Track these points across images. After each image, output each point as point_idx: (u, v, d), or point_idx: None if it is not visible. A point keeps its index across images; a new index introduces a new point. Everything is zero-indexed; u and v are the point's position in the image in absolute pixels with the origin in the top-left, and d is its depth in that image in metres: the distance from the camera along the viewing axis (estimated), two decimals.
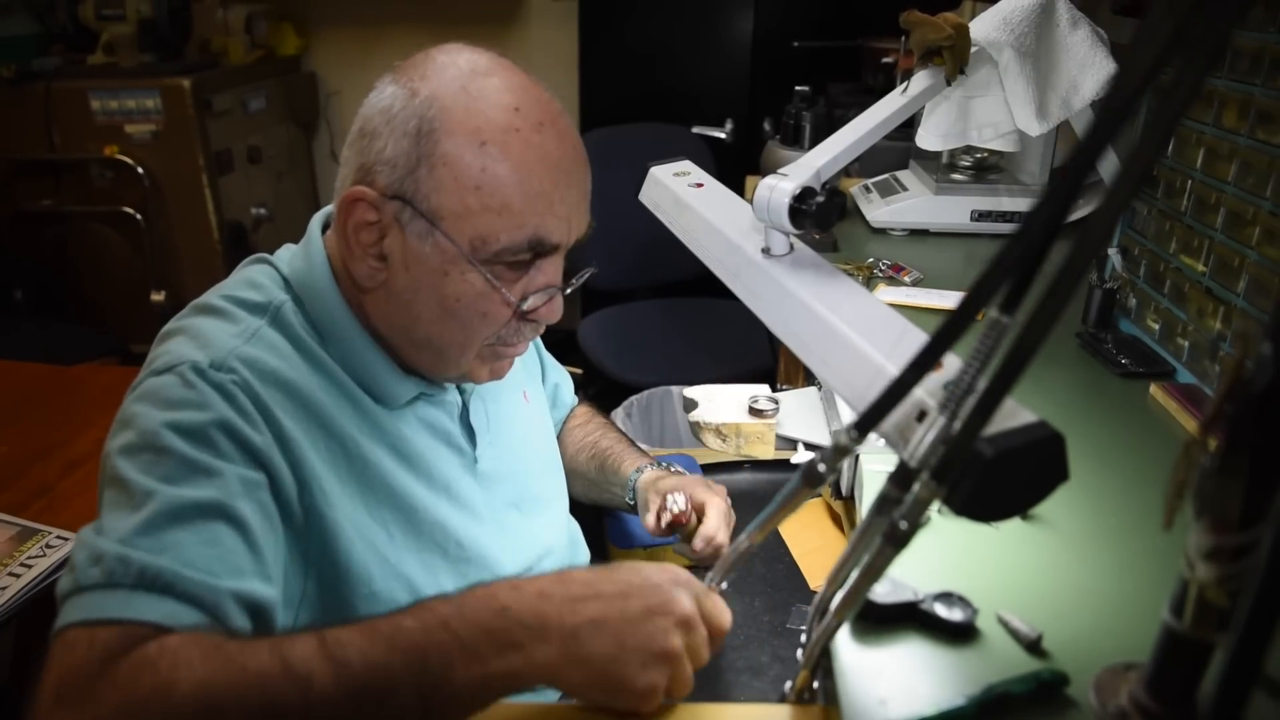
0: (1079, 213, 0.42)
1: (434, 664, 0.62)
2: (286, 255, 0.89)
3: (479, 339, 0.83)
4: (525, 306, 0.82)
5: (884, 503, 0.55)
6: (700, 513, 1.03)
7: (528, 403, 1.06)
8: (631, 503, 1.11)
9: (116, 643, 0.62)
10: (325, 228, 0.90)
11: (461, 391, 0.94)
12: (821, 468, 0.58)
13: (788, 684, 0.77)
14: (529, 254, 0.80)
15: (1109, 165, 1.15)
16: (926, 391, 0.59)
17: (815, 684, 0.75)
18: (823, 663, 0.71)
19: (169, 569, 0.65)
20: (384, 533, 0.83)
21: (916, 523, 0.54)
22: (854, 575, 0.60)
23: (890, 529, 0.55)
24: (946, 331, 0.49)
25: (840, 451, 0.57)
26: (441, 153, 0.76)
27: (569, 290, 0.86)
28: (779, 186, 0.81)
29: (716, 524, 1.01)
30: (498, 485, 0.96)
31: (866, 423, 0.54)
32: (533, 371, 1.11)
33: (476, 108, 0.76)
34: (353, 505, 0.81)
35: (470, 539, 0.89)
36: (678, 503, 1.01)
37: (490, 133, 0.76)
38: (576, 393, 1.27)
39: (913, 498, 0.53)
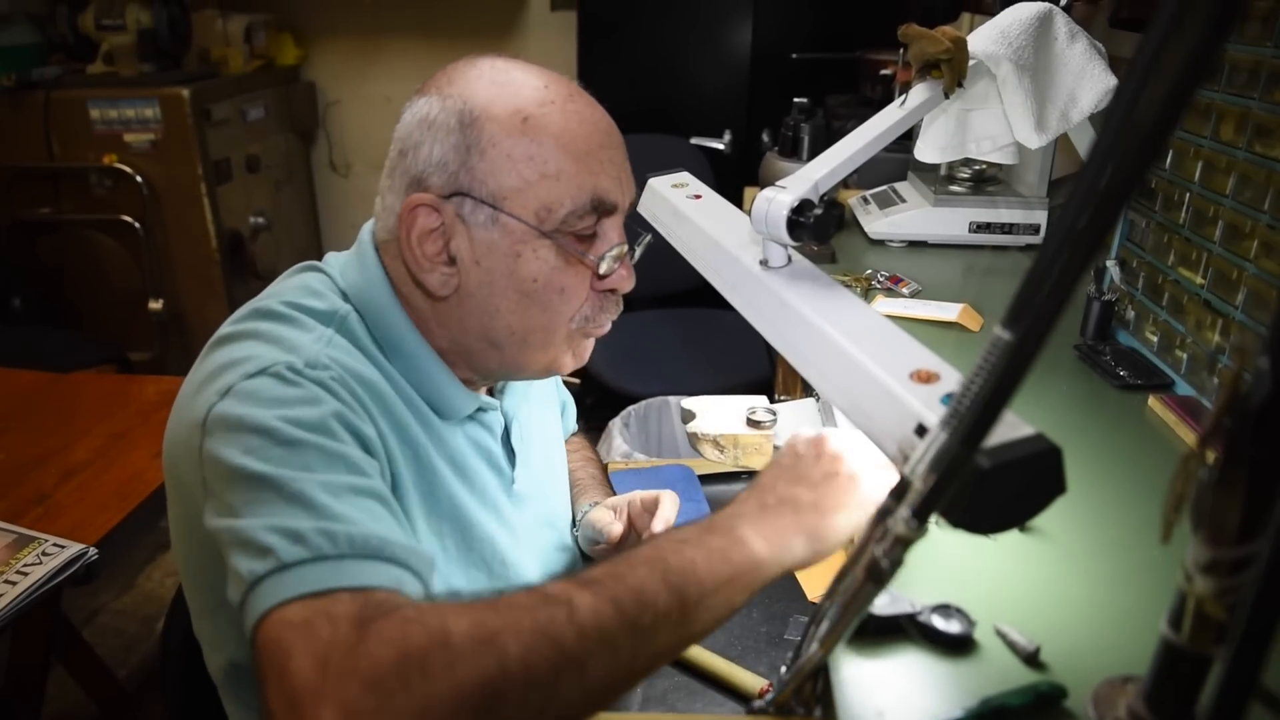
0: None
1: (674, 564, 0.65)
2: (337, 265, 0.88)
3: (562, 320, 0.84)
4: (604, 269, 0.83)
5: (882, 515, 0.55)
6: (654, 504, 1.04)
7: (550, 423, 1.07)
8: (574, 533, 1.10)
9: (360, 610, 0.59)
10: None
11: (505, 413, 0.94)
12: (885, 563, 0.56)
13: (770, 695, 0.77)
14: (593, 215, 0.81)
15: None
16: (924, 405, 0.59)
17: (794, 703, 0.75)
18: (811, 682, 0.71)
19: (375, 534, 0.64)
20: (439, 544, 0.84)
21: (898, 560, 0.54)
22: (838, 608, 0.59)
23: (871, 564, 0.55)
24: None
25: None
26: (489, 136, 0.78)
27: (634, 258, 0.87)
28: (777, 199, 0.81)
29: (671, 511, 1.02)
30: (530, 505, 0.96)
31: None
32: (553, 392, 1.12)
33: (509, 91, 0.79)
34: (418, 512, 0.81)
35: (513, 558, 0.90)
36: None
37: (529, 108, 0.79)
38: (578, 405, 1.27)
39: (892, 536, 0.53)
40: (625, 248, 0.85)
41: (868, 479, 0.75)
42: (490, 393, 0.95)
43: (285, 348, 0.75)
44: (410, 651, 0.56)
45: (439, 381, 0.85)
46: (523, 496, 0.95)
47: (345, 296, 0.84)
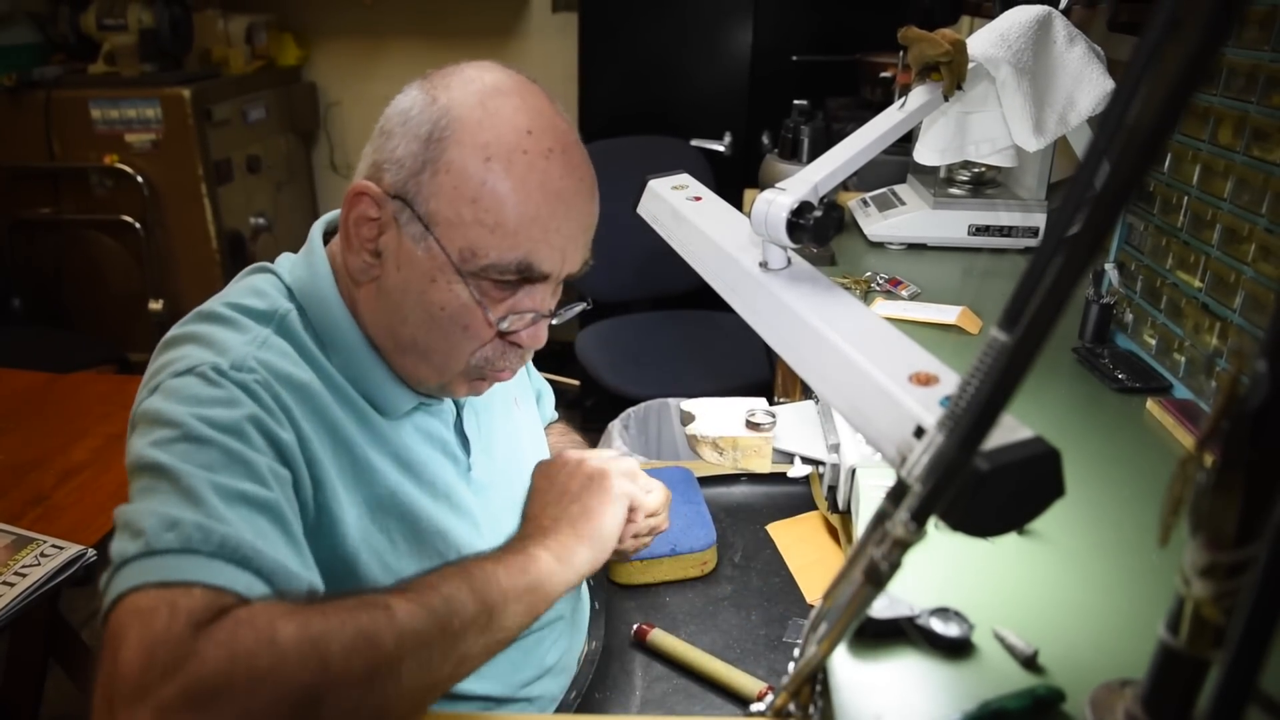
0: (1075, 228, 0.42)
1: (475, 576, 0.75)
2: (287, 264, 0.89)
3: (463, 353, 0.83)
4: (504, 327, 0.82)
5: (880, 519, 0.55)
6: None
7: (518, 408, 1.07)
8: None
9: (201, 608, 0.61)
10: (327, 236, 0.90)
11: (455, 400, 0.94)
12: (884, 566, 0.56)
13: (769, 698, 0.77)
14: (515, 276, 0.80)
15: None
16: (923, 407, 0.59)
17: (792, 706, 0.75)
18: (809, 685, 0.71)
19: (249, 543, 0.66)
20: (387, 540, 0.84)
21: (896, 562, 0.54)
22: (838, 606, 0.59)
23: (870, 567, 0.55)
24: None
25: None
26: (446, 160, 0.77)
27: (556, 320, 0.86)
28: (776, 201, 0.81)
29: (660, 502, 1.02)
30: (492, 492, 0.96)
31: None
32: (520, 378, 1.12)
33: (489, 123, 0.77)
34: (359, 512, 0.82)
35: (470, 547, 0.90)
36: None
37: (497, 149, 0.77)
38: (558, 409, 1.27)
39: (890, 539, 0.53)
40: (536, 315, 0.83)
41: (614, 469, 0.92)
42: None
43: (216, 350, 0.77)
44: (238, 653, 0.59)
45: (375, 379, 0.85)
46: (484, 484, 0.95)
47: (291, 294, 0.85)
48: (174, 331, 0.82)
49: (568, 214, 0.80)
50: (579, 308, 0.91)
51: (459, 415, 0.95)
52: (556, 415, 1.27)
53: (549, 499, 0.91)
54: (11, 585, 1.18)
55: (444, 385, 0.88)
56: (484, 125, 0.77)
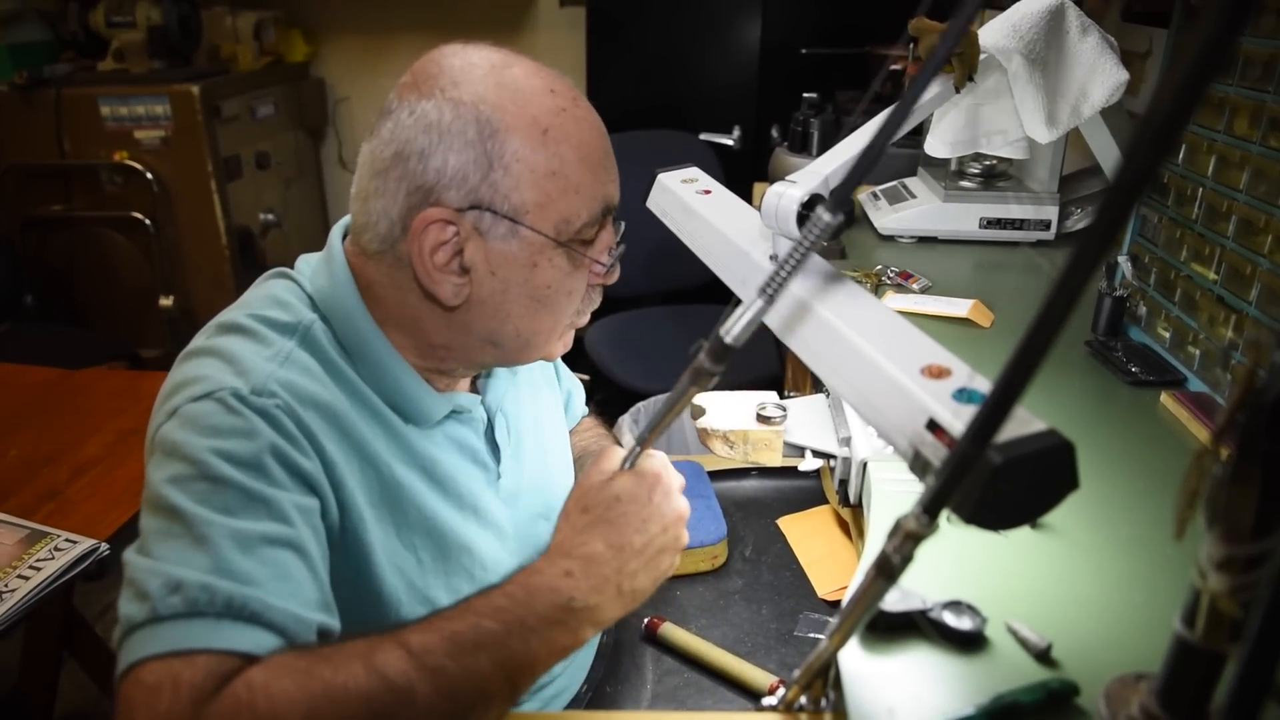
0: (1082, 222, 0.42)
1: (518, 654, 0.70)
2: (308, 270, 0.86)
3: (565, 319, 0.86)
4: (605, 268, 0.85)
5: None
6: None
7: (546, 414, 1.06)
8: None
9: (204, 681, 0.61)
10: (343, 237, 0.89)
11: (487, 408, 0.94)
12: (707, 364, 0.66)
13: (781, 690, 0.77)
14: (601, 221, 0.83)
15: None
16: (935, 400, 0.58)
17: (804, 700, 0.75)
18: (821, 679, 0.71)
19: (256, 598, 0.65)
20: (414, 559, 0.83)
21: (908, 556, 0.54)
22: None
23: (881, 560, 0.55)
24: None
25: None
26: (513, 150, 0.76)
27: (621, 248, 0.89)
28: (787, 193, 0.80)
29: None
30: (521, 499, 0.96)
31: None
32: (550, 380, 1.11)
33: (522, 98, 0.78)
34: (384, 531, 0.81)
35: (494, 560, 0.89)
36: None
37: (546, 119, 0.78)
38: (587, 403, 1.27)
39: (903, 532, 0.53)
40: (617, 250, 0.86)
41: (684, 516, 0.82)
42: (474, 386, 0.95)
43: (237, 370, 0.75)
44: None
45: (407, 388, 0.84)
46: (513, 492, 0.95)
47: (313, 303, 0.83)
48: (195, 343, 0.80)
49: (609, 144, 0.84)
50: (621, 227, 0.91)
51: (490, 423, 0.94)
52: (587, 410, 1.26)
53: (617, 544, 0.77)
54: (26, 579, 1.19)
55: (543, 356, 0.90)
56: (519, 103, 0.77)
